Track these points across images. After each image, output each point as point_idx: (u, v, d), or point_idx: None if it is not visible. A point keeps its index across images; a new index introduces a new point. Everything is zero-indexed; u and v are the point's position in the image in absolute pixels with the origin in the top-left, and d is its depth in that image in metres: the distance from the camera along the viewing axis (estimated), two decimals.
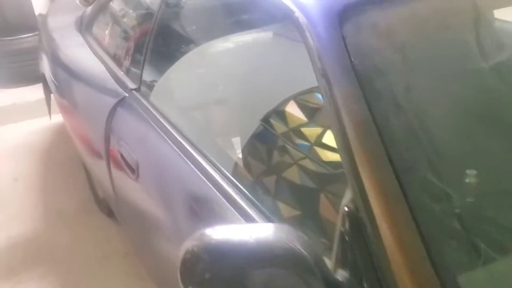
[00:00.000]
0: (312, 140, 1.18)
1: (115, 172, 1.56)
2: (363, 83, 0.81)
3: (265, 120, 1.28)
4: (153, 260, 1.46)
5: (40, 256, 2.20)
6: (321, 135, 1.18)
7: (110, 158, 1.58)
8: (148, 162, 1.29)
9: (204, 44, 1.61)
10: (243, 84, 1.48)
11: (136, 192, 1.38)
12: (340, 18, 0.90)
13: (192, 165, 1.15)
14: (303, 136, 1.21)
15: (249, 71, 1.50)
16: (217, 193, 1.05)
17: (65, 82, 1.98)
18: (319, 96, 1.29)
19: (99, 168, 1.82)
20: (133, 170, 1.34)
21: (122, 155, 1.43)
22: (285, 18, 0.99)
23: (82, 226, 2.40)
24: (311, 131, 1.20)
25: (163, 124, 1.31)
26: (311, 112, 1.25)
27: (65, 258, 2.19)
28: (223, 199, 1.05)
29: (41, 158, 3.06)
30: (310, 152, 1.16)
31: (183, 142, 1.23)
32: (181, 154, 1.20)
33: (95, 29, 2.03)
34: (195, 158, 1.16)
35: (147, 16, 1.58)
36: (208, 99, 1.54)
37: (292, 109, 1.28)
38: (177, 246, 1.23)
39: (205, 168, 1.12)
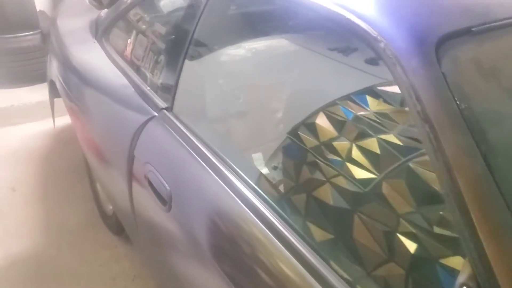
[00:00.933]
0: (343, 155, 1.08)
1: (138, 197, 1.42)
2: (475, 132, 0.69)
3: (293, 133, 1.17)
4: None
5: (42, 277, 2.05)
6: (350, 150, 1.08)
7: (132, 180, 1.45)
8: (185, 196, 1.16)
9: (218, 51, 1.49)
10: (266, 94, 1.37)
11: (166, 225, 1.25)
12: (437, 51, 0.78)
13: (238, 200, 1.03)
14: (335, 151, 1.10)
15: (270, 81, 1.39)
16: (267, 230, 0.94)
17: (80, 92, 1.83)
18: (344, 109, 1.20)
19: (116, 187, 1.68)
20: (165, 201, 1.21)
21: (150, 182, 1.29)
22: (369, 47, 0.86)
23: (87, 243, 2.25)
24: (342, 146, 1.10)
25: (201, 150, 1.18)
26: (340, 125, 1.15)
27: (69, 279, 2.04)
28: (272, 236, 0.94)
29: (41, 166, 2.90)
30: (342, 169, 1.05)
31: (224, 170, 1.10)
32: (225, 186, 1.08)
33: (114, 37, 1.89)
34: (241, 191, 1.04)
35: (182, 26, 1.44)
36: (235, 111, 1.42)
37: (322, 121, 1.18)
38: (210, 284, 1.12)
39: (254, 204, 1.00)
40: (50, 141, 3.19)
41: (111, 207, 2.22)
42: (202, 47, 1.37)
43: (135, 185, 1.43)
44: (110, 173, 1.69)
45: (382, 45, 0.82)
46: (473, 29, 0.80)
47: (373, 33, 0.84)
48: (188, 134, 1.24)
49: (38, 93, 3.58)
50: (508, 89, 0.76)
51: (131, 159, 1.43)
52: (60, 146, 3.11)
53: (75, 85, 1.88)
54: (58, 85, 2.14)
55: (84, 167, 2.64)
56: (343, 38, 1.16)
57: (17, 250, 2.20)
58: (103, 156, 1.72)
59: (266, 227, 0.96)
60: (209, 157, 1.16)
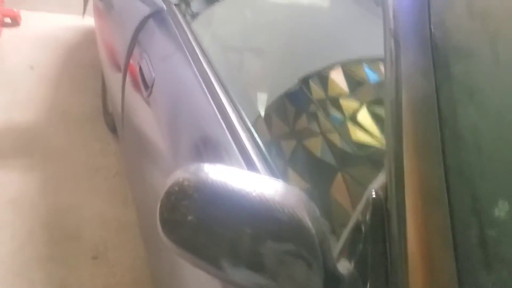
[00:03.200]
0: (347, 114, 1.06)
1: (129, 85, 1.45)
2: (438, 60, 0.67)
3: (304, 81, 1.14)
4: (141, 187, 1.36)
5: (33, 149, 2.13)
6: (357, 111, 1.05)
7: (128, 70, 1.47)
8: (165, 82, 1.17)
9: None
10: (288, 37, 1.33)
11: (144, 110, 1.27)
12: None
13: (211, 102, 1.03)
14: (339, 108, 1.08)
15: (298, 25, 1.36)
16: (230, 137, 0.94)
17: None
18: (367, 69, 1.16)
19: (114, 79, 1.71)
20: (147, 86, 1.23)
21: (140, 68, 1.31)
22: None
23: (83, 132, 2.32)
24: (348, 104, 1.07)
25: (194, 50, 1.18)
26: (354, 85, 1.12)
27: (56, 159, 2.11)
28: (233, 145, 0.94)
29: (63, 56, 2.96)
30: (341, 127, 1.03)
31: (210, 75, 1.10)
32: (203, 86, 1.08)
33: None
34: (217, 96, 1.03)
35: None
36: (248, 44, 1.39)
37: (337, 76, 1.14)
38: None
39: (224, 108, 1.00)
40: (79, 36, 3.25)
41: None
42: None
43: (129, 76, 1.45)
44: (112, 66, 1.71)
45: None
46: None
47: None
48: (187, 33, 1.24)
49: None
50: (490, 32, 0.73)
51: (131, 49, 1.44)
52: (86, 43, 3.17)
53: None
54: None
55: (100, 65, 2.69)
56: None
57: (19, 120, 2.28)
58: (109, 48, 1.74)
59: (235, 145, 0.93)
60: (198, 58, 1.15)
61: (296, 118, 1.09)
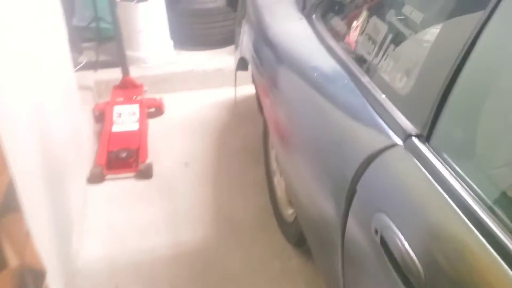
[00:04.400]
0: None
1: (355, 262, 1.04)
2: None
3: None
4: None
5: (207, 277, 1.84)
6: None
7: (348, 218, 1.06)
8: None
9: None
10: None
11: None
12: None
13: None
14: None
15: None
16: None
17: (279, 79, 1.48)
18: None
19: (316, 209, 1.31)
20: (409, 283, 0.80)
21: (383, 240, 0.89)
22: None
23: (257, 246, 1.98)
24: None
25: (477, 214, 0.73)
26: None
27: (234, 287, 1.79)
28: None
29: (213, 143, 2.71)
30: None
31: None
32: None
33: (328, 15, 1.49)
34: None
35: (460, 15, 0.96)
36: None
37: None
38: None
39: None
40: (224, 113, 3.01)
41: (290, 212, 1.90)
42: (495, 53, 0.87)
43: (351, 225, 1.05)
44: (310, 188, 1.32)
45: None
46: None
47: None
48: (455, 184, 0.79)
49: (216, 60, 3.44)
50: None
51: (349, 198, 1.04)
52: (234, 121, 2.91)
53: (274, 69, 1.55)
54: (248, 58, 1.84)
55: (259, 152, 2.38)
56: None
57: (186, 239, 2.03)
58: (305, 182, 1.35)
59: None
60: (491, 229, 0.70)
61: None
